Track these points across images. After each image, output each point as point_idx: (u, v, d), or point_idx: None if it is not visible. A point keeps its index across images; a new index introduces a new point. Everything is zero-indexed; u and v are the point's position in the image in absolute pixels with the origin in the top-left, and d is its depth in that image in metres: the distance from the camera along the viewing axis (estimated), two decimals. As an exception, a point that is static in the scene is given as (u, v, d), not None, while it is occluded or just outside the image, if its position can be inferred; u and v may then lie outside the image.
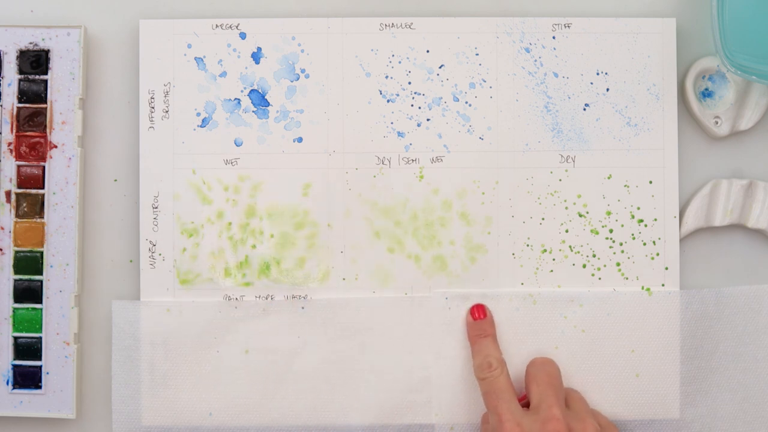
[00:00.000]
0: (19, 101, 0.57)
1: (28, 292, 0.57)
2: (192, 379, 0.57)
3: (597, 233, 0.58)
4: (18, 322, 0.57)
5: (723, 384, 0.58)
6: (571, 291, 0.57)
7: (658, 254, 0.58)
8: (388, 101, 0.58)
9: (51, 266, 0.57)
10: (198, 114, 0.58)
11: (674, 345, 0.57)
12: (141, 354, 0.57)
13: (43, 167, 0.57)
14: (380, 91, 0.58)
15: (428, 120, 0.58)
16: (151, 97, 0.58)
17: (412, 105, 0.58)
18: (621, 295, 0.57)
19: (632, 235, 0.58)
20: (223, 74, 0.58)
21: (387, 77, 0.58)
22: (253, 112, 0.58)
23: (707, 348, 0.57)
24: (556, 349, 0.57)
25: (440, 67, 0.58)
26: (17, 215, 0.57)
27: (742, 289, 0.58)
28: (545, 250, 0.58)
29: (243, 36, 0.58)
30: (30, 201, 0.57)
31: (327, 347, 0.57)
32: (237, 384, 0.57)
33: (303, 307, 0.57)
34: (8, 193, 0.57)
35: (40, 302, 0.57)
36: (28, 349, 0.57)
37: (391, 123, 0.58)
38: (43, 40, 0.57)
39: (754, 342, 0.58)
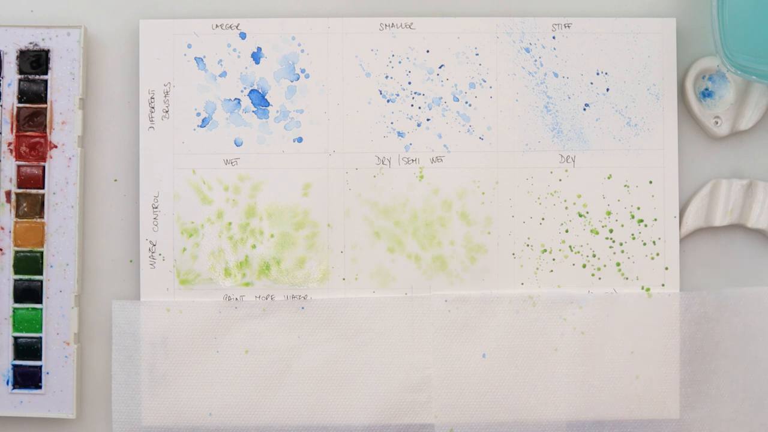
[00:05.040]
0: (19, 101, 0.57)
1: (28, 292, 0.57)
2: (192, 379, 0.57)
3: (597, 233, 0.58)
4: (18, 322, 0.57)
5: (723, 386, 0.58)
6: (570, 293, 0.57)
7: (658, 254, 0.58)
8: (388, 101, 0.58)
9: (51, 266, 0.57)
10: (198, 114, 0.58)
11: (674, 347, 0.57)
12: (141, 354, 0.57)
13: (43, 167, 0.57)
14: (380, 91, 0.58)
15: (428, 120, 0.58)
16: (151, 97, 0.58)
17: (412, 105, 0.58)
18: (620, 297, 0.57)
19: (632, 235, 0.58)
20: (223, 74, 0.58)
21: (387, 77, 0.58)
22: (253, 112, 0.58)
23: (707, 350, 0.57)
24: (556, 351, 0.57)
25: (440, 67, 0.58)
26: (17, 215, 0.57)
27: (741, 291, 0.58)
28: (545, 250, 0.58)
29: (243, 36, 0.58)
30: (30, 201, 0.57)
31: (327, 347, 0.57)
32: (237, 384, 0.57)
33: (303, 308, 0.57)
34: (8, 193, 0.57)
35: (40, 302, 0.57)
36: (28, 349, 0.57)
37: (391, 123, 0.58)
38: (43, 40, 0.57)
39: (754, 343, 0.58)
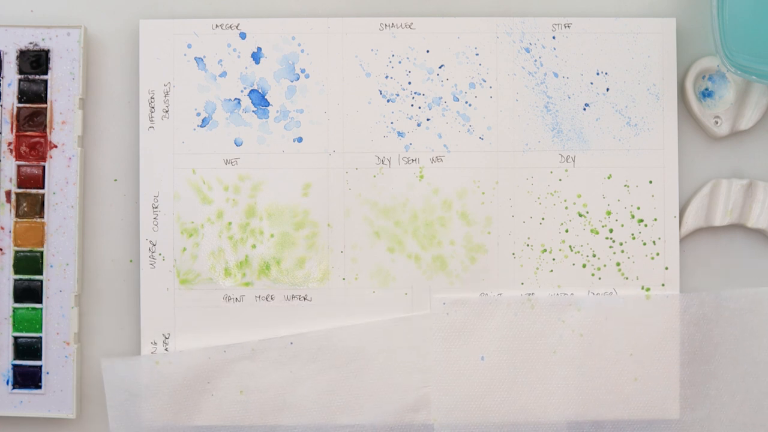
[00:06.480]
0: (19, 101, 0.57)
1: (28, 292, 0.57)
2: (190, 425, 0.57)
3: (597, 233, 0.58)
4: (18, 322, 0.57)
5: (722, 387, 0.57)
6: (569, 297, 0.57)
7: (658, 254, 0.58)
8: (388, 101, 0.58)
9: (51, 266, 0.57)
10: (198, 114, 0.58)
11: (673, 348, 0.57)
12: (137, 408, 0.56)
13: (43, 167, 0.57)
14: (380, 91, 0.58)
15: (428, 120, 0.58)
16: (151, 97, 0.58)
17: (412, 105, 0.58)
18: (619, 299, 0.57)
19: (632, 235, 0.58)
20: (223, 74, 0.58)
21: (387, 77, 0.58)
22: (253, 112, 0.58)
23: (706, 351, 0.57)
24: (555, 354, 0.57)
25: (440, 67, 0.58)
26: (17, 215, 0.57)
27: (741, 292, 0.58)
28: (545, 250, 0.58)
29: (243, 36, 0.58)
30: (30, 201, 0.57)
31: (320, 379, 0.57)
32: (236, 424, 0.57)
33: (291, 343, 0.57)
34: (8, 193, 0.57)
35: (40, 302, 0.57)
36: (28, 349, 0.57)
37: (391, 123, 0.58)
38: (43, 40, 0.57)
39: (753, 344, 0.57)
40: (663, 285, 0.58)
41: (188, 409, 0.57)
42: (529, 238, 0.58)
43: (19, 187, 0.57)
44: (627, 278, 0.58)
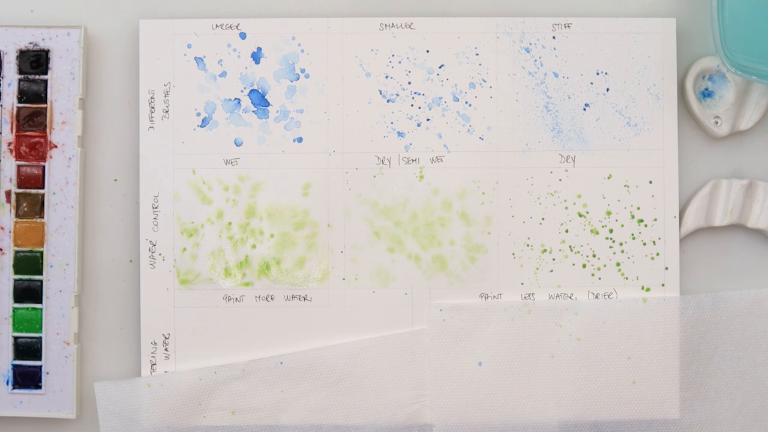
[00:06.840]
0: (19, 101, 0.57)
1: (28, 292, 0.57)
2: None
3: (597, 233, 0.58)
4: (18, 322, 0.57)
5: (721, 389, 0.57)
6: (566, 301, 0.57)
7: (658, 254, 0.58)
8: (388, 101, 0.58)
9: (51, 266, 0.57)
10: (198, 114, 0.58)
11: (671, 351, 0.57)
12: (131, 430, 0.57)
13: (43, 167, 0.57)
14: (380, 91, 0.58)
15: (428, 120, 0.58)
16: (151, 97, 0.58)
17: (412, 105, 0.58)
18: (617, 303, 0.57)
19: (632, 235, 0.58)
20: (223, 74, 0.58)
21: (387, 77, 0.58)
22: (253, 112, 0.58)
23: (705, 353, 0.57)
24: (552, 358, 0.57)
25: (440, 67, 0.58)
26: (17, 215, 0.57)
27: (738, 294, 0.58)
28: (545, 250, 0.58)
29: (243, 36, 0.58)
30: (30, 201, 0.57)
31: (311, 397, 0.57)
32: None
33: (281, 363, 0.57)
34: (8, 193, 0.57)
35: (40, 302, 0.57)
36: (28, 349, 0.57)
37: (391, 123, 0.58)
38: (43, 40, 0.57)
39: (752, 346, 0.57)
40: (663, 285, 0.58)
41: (181, 431, 0.57)
42: (529, 238, 0.58)
43: (19, 187, 0.57)
44: (627, 278, 0.58)
